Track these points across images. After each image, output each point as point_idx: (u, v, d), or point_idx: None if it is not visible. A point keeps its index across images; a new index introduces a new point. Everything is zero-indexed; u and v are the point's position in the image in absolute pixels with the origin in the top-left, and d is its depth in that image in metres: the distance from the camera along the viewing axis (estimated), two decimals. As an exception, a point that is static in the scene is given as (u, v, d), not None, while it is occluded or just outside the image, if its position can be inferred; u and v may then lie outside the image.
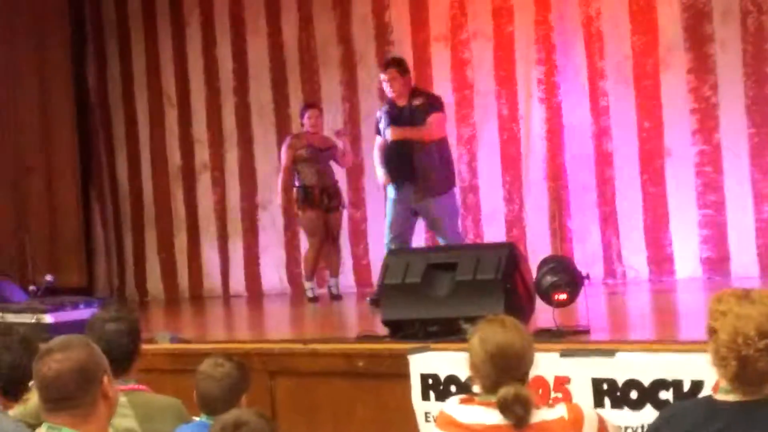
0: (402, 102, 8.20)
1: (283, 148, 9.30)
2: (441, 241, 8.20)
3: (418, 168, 8.00)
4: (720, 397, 3.08)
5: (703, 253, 8.57)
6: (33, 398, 3.28)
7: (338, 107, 10.36)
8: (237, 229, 11.09)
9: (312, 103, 9.82)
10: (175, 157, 11.54)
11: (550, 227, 9.20)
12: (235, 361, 4.21)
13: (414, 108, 8.12)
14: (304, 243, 10.40)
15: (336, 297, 9.12)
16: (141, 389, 4.21)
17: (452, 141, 9.65)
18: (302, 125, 9.35)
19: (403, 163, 8.06)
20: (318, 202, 9.10)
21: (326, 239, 9.22)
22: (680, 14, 8.62)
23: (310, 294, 9.15)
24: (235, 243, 11.11)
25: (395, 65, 8.36)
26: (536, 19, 9.31)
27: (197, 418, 4.13)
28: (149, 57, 11.65)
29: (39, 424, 3.07)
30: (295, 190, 9.17)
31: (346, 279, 10.21)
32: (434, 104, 8.19)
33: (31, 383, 3.25)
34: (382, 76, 8.36)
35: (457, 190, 8.53)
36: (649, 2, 8.76)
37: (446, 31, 9.78)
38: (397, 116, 8.16)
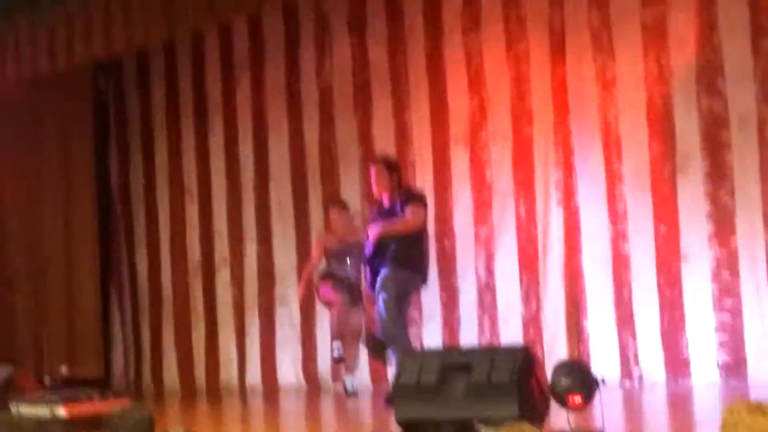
0: (387, 202, 8.32)
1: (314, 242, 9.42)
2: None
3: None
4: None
5: (720, 358, 8.54)
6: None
7: (356, 209, 10.44)
8: (254, 324, 11.13)
9: (335, 199, 9.94)
10: (195, 252, 11.63)
11: (566, 328, 9.21)
12: None
13: (399, 207, 8.20)
14: (320, 339, 10.46)
15: (351, 393, 9.12)
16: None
17: (470, 240, 9.77)
18: (327, 222, 9.52)
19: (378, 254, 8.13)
20: (344, 289, 9.18)
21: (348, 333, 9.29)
22: (698, 122, 8.70)
23: (335, 354, 9.22)
24: (252, 338, 11.14)
25: (381, 161, 8.51)
26: (555, 121, 9.41)
27: None
28: (171, 153, 11.82)
29: None
30: (323, 281, 9.25)
31: (362, 375, 10.21)
32: (412, 197, 8.24)
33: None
34: (370, 173, 8.48)
35: (419, 281, 8.35)
36: (668, 109, 8.85)
37: (466, 131, 9.90)
38: (382, 217, 8.28)
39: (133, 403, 4.59)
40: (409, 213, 8.12)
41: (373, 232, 8.11)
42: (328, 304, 9.51)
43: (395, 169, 8.44)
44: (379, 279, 8.09)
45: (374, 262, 8.22)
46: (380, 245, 8.12)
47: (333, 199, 9.97)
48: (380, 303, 8.03)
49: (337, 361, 9.23)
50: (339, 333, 9.32)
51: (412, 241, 8.10)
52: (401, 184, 8.50)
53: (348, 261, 9.23)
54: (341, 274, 9.27)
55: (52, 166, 12.10)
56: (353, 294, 9.22)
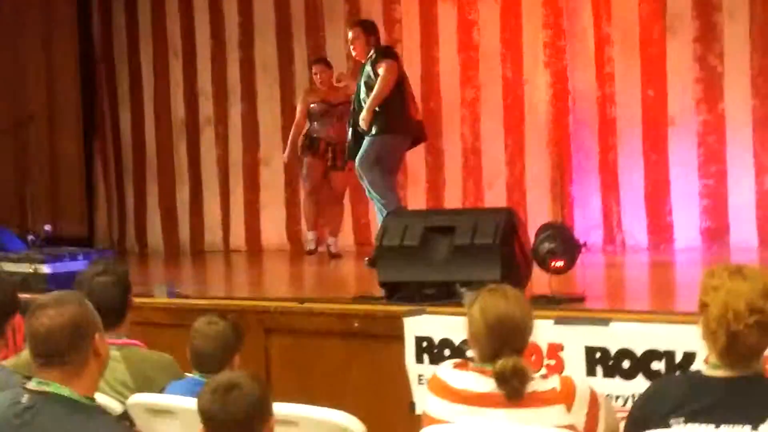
0: (362, 60, 8.22)
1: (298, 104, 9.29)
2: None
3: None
4: (709, 372, 3.09)
5: (703, 223, 8.56)
6: (26, 351, 3.28)
7: (343, 64, 10.31)
8: (239, 184, 11.09)
9: (318, 58, 9.79)
10: (179, 110, 11.52)
11: (551, 192, 9.19)
12: (229, 320, 4.22)
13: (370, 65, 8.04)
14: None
15: (334, 256, 9.14)
16: (134, 344, 4.23)
17: (456, 102, 9.68)
18: (312, 81, 9.37)
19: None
20: (322, 153, 9.10)
21: (328, 195, 9.23)
22: (689, -19, 8.57)
23: (310, 246, 9.18)
24: (237, 198, 11.12)
25: (358, 24, 8.39)
26: (544, -18, 9.26)
27: (190, 375, 4.15)
28: (155, 9, 11.60)
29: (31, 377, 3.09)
30: (301, 138, 9.18)
31: (346, 238, 10.22)
32: (380, 53, 8.03)
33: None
34: (348, 36, 8.34)
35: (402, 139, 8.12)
36: (658, -31, 8.71)
37: (453, -10, 9.73)
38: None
39: (107, 261, 4.53)
40: (384, 70, 7.87)
41: (363, 123, 7.92)
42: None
43: (372, 32, 8.29)
44: (357, 158, 7.95)
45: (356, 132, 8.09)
46: (355, 114, 8.02)
47: (316, 58, 9.82)
48: (367, 186, 7.96)
49: (310, 253, 9.16)
50: (311, 223, 9.29)
51: (387, 103, 7.89)
52: (378, 46, 8.30)
53: (331, 122, 9.12)
54: (321, 136, 9.14)
55: (34, 22, 11.89)
56: (335, 157, 9.12)
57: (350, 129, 8.12)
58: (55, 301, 3.03)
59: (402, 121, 7.95)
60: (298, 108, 9.27)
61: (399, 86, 7.94)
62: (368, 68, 8.00)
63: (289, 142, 9.24)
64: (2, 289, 3.94)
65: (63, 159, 11.95)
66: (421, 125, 8.16)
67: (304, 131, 9.17)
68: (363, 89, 7.97)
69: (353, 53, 8.37)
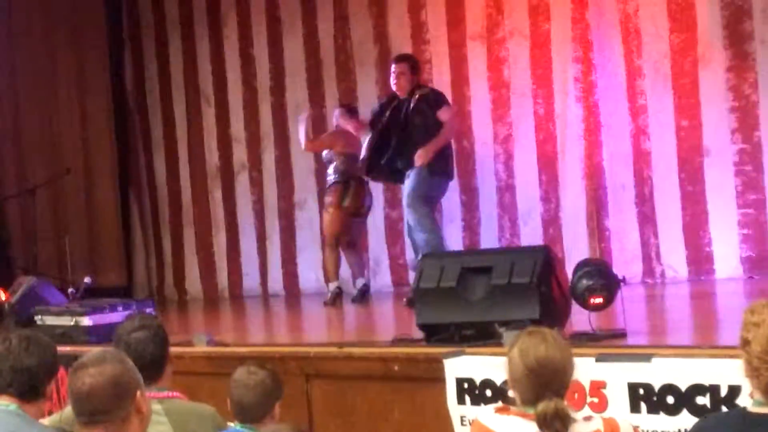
0: (402, 95, 8.32)
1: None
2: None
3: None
4: (754, 409, 3.06)
5: (743, 253, 8.49)
6: (69, 406, 3.29)
7: (375, 107, 10.36)
8: (275, 229, 11.12)
9: (342, 104, 9.85)
10: (213, 156, 11.60)
11: (587, 227, 9.15)
12: (268, 369, 4.23)
13: (417, 100, 8.20)
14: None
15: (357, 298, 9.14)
16: (175, 396, 4.23)
17: (488, 140, 9.69)
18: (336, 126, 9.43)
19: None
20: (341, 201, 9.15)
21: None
22: (719, 11, 8.53)
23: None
24: (273, 242, 11.15)
25: (406, 60, 8.49)
26: (573, 16, 9.25)
27: (232, 425, 4.15)
28: (186, 57, 11.72)
29: (74, 432, 3.10)
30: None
31: (383, 279, 10.24)
32: (439, 98, 8.27)
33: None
34: (393, 69, 8.46)
35: (448, 183, 8.46)
36: (688, 0, 8.68)
37: (482, 29, 9.75)
38: (396, 108, 8.29)
39: (142, 316, 4.55)
40: (447, 118, 8.16)
41: (421, 160, 8.04)
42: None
43: (417, 69, 8.44)
44: (406, 194, 8.13)
45: (394, 164, 8.20)
46: (403, 150, 8.10)
47: (340, 104, 9.87)
48: (414, 221, 8.09)
49: (330, 304, 9.18)
50: (331, 273, 9.28)
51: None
52: (420, 84, 8.45)
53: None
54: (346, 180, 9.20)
55: (67, 75, 12.02)
56: (358, 203, 9.19)
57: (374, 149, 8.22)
58: (95, 360, 3.04)
59: (451, 167, 8.35)
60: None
61: None
62: (414, 105, 8.13)
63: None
64: (43, 350, 3.94)
65: (100, 210, 12.04)
66: None
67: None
68: (401, 122, 8.16)
69: (393, 87, 8.44)
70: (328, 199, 9.24)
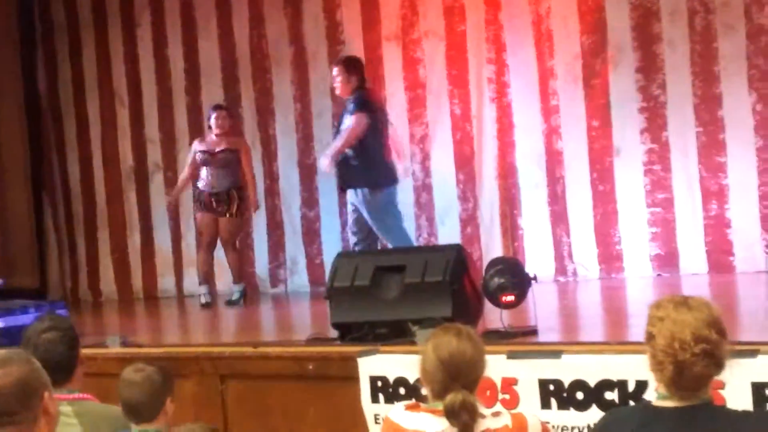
0: (345, 97, 8.37)
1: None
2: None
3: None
4: (658, 402, 3.12)
5: (652, 251, 8.65)
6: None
7: (290, 107, 10.36)
8: (190, 229, 11.04)
9: (219, 105, 9.82)
10: (127, 158, 11.49)
11: (501, 225, 9.25)
12: (156, 365, 4.18)
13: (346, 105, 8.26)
14: (257, 242, 10.45)
15: (232, 303, 9.19)
16: (86, 398, 4.19)
17: (405, 140, 9.71)
18: (209, 128, 9.38)
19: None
20: (207, 205, 9.14)
21: (218, 244, 9.36)
22: (629, 13, 8.68)
23: (202, 300, 9.25)
24: (189, 243, 11.07)
25: (341, 63, 8.47)
26: (487, 17, 9.35)
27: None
28: (100, 59, 11.58)
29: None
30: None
31: (300, 278, 10.24)
32: (356, 103, 8.18)
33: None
34: (333, 72, 8.47)
35: (395, 184, 8.38)
36: (598, 2, 8.82)
37: (398, 30, 9.80)
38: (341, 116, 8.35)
39: (52, 317, 4.50)
40: (347, 125, 8.09)
41: (324, 163, 8.08)
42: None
43: (353, 70, 8.33)
44: (355, 211, 8.18)
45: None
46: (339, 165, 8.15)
47: (216, 105, 9.82)
48: (381, 233, 8.17)
49: (204, 307, 9.22)
50: (204, 277, 9.37)
51: (366, 157, 8.08)
52: (363, 85, 8.38)
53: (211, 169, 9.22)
54: (203, 186, 9.23)
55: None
56: (219, 205, 9.24)
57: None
58: (1, 361, 3.00)
59: (386, 172, 8.21)
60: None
61: (375, 136, 8.12)
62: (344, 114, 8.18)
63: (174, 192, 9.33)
64: None
65: (12, 211, 11.84)
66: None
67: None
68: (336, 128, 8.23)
69: (336, 91, 8.46)
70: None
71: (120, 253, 11.52)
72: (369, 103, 8.26)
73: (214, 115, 9.35)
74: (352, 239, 8.33)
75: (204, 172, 9.23)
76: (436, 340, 3.48)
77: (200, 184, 9.25)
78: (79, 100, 11.76)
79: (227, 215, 9.22)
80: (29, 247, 11.85)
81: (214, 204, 9.21)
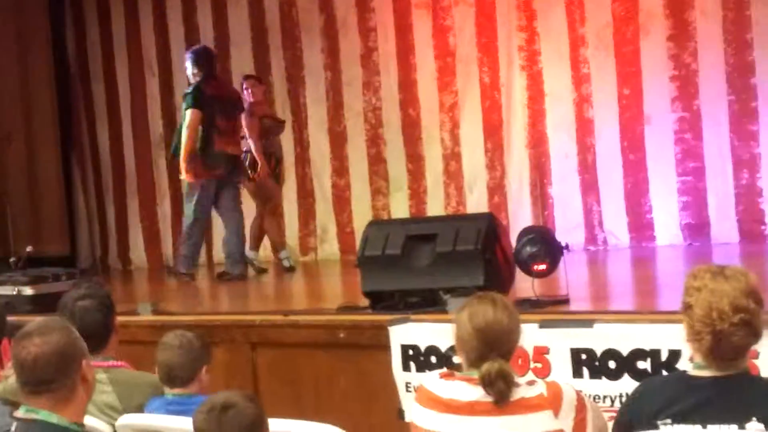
0: None
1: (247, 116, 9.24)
2: None
3: None
4: (694, 372, 3.12)
5: (683, 220, 8.61)
6: (13, 376, 3.28)
7: (320, 75, 10.34)
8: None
9: (250, 75, 9.83)
10: (156, 125, 11.50)
11: (531, 195, 9.23)
12: (195, 333, 4.22)
13: None
14: (287, 210, 10.45)
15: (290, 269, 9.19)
16: (120, 366, 4.23)
17: (434, 108, 9.70)
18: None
19: None
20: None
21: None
22: (661, -20, 8.61)
23: (286, 264, 9.21)
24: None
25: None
26: (517, -16, 9.30)
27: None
28: (129, 25, 11.57)
29: (19, 403, 3.08)
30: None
31: (331, 247, 10.25)
32: (190, 97, 8.62)
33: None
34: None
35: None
36: (630, -33, 8.76)
37: (427, -4, 9.75)
38: None
39: (88, 284, 4.52)
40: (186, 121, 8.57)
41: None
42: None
43: (194, 61, 8.76)
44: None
45: None
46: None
47: (247, 75, 9.83)
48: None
49: (289, 270, 9.20)
50: (254, 239, 9.38)
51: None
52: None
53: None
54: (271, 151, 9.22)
55: (6, 40, 11.82)
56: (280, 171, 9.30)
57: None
58: (40, 329, 3.03)
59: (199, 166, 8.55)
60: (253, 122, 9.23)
61: (206, 127, 8.51)
62: None
63: (258, 158, 9.14)
64: None
65: (42, 178, 11.89)
66: (231, 157, 8.72)
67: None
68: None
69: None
70: None
71: (150, 221, 11.56)
72: (196, 95, 8.57)
73: (244, 84, 9.36)
74: None
75: (269, 139, 9.23)
76: (472, 309, 3.47)
77: (270, 150, 9.22)
78: (108, 67, 11.77)
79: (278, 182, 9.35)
80: (59, 215, 11.91)
81: (277, 170, 9.27)
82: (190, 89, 8.63)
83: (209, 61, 8.84)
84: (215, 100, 8.59)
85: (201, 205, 8.69)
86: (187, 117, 8.48)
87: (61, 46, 12.04)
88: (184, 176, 8.64)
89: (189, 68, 8.76)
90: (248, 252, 9.21)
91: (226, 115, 8.64)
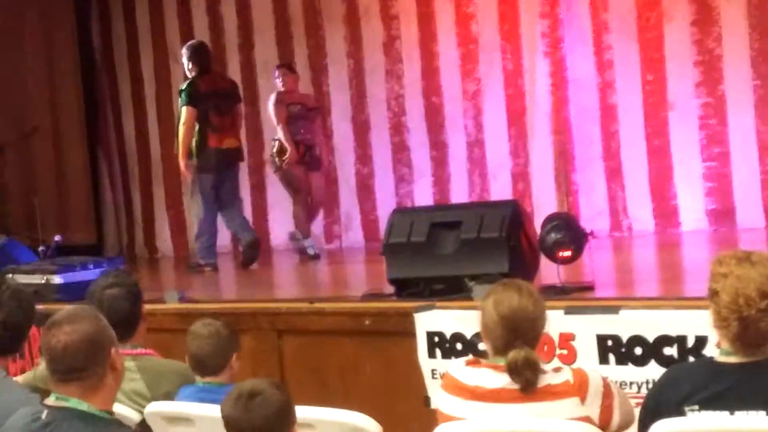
0: None
1: (274, 104, 9.23)
2: None
3: None
4: (721, 358, 3.12)
5: (708, 206, 8.58)
6: (43, 364, 3.31)
7: (343, 63, 10.35)
8: (245, 185, 11.08)
9: (282, 63, 9.83)
10: (181, 114, 11.52)
11: (555, 181, 9.21)
12: (223, 321, 4.25)
13: None
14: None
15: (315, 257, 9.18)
16: (148, 354, 4.26)
17: (457, 95, 9.70)
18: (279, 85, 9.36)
19: None
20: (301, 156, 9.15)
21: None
22: (684, -35, 8.57)
23: (311, 251, 9.18)
24: (244, 199, 11.09)
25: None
26: (540, -29, 9.27)
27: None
28: (154, 16, 11.62)
29: (49, 391, 3.12)
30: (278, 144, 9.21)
31: (355, 234, 10.27)
32: (184, 93, 8.85)
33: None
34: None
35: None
36: (653, -47, 8.71)
37: (450, -17, 9.74)
38: None
39: (117, 273, 4.56)
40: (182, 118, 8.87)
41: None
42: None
43: (188, 56, 8.97)
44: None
45: None
46: None
47: (280, 63, 9.84)
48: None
49: (313, 258, 9.20)
50: (300, 223, 9.35)
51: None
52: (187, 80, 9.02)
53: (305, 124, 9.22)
54: (298, 139, 9.18)
55: (33, 34, 11.90)
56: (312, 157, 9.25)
57: None
58: (70, 317, 3.05)
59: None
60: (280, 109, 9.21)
61: (201, 123, 8.69)
62: None
63: (288, 144, 9.13)
64: (22, 303, 3.95)
65: (69, 168, 11.98)
66: (226, 152, 8.84)
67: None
68: None
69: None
70: None
71: (175, 210, 11.61)
72: (189, 91, 8.76)
73: (276, 74, 9.40)
74: None
75: (296, 126, 9.23)
76: (497, 296, 3.48)
77: (297, 138, 9.23)
78: (133, 57, 11.83)
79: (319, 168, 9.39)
80: (86, 204, 12.00)
81: (306, 157, 9.26)
82: (184, 85, 8.83)
83: (204, 56, 9.00)
84: (210, 95, 8.73)
85: (205, 200, 8.84)
86: (183, 114, 8.66)
87: (86, 40, 12.12)
88: (183, 170, 8.82)
89: (185, 63, 8.91)
90: (304, 241, 9.24)
91: (220, 110, 8.78)
